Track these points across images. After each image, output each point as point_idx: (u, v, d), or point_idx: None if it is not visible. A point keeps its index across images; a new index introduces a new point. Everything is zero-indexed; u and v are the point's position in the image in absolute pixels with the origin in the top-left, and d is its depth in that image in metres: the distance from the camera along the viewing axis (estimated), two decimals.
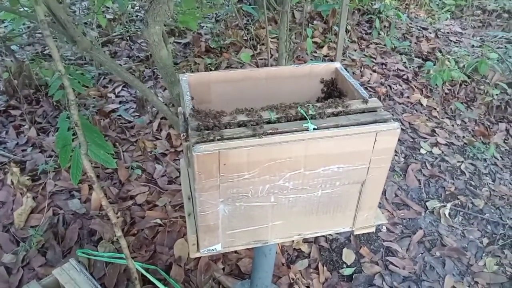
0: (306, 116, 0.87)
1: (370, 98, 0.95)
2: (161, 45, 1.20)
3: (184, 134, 0.89)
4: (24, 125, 2.60)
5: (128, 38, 3.76)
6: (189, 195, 1.07)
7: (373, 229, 1.08)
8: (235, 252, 1.88)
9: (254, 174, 0.85)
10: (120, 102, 2.91)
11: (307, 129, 0.84)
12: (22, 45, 3.53)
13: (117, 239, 1.82)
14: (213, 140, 0.80)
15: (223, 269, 1.80)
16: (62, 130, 1.60)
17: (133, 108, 2.84)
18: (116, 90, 3.06)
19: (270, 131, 0.84)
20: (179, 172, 2.27)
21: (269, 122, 0.87)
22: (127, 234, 1.88)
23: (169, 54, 1.29)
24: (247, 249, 1.89)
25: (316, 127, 0.85)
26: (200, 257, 1.81)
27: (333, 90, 1.10)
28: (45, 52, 3.47)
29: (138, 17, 4.14)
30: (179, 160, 2.37)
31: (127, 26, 3.87)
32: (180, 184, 2.08)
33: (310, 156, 0.86)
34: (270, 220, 0.96)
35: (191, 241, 0.95)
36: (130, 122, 2.69)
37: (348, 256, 1.96)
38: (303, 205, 0.96)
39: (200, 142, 0.80)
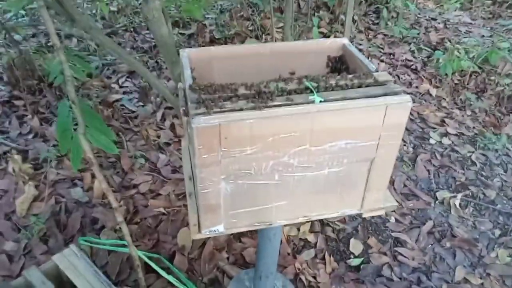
0: (312, 89, 0.82)
1: (379, 72, 0.90)
2: (161, 22, 1.16)
3: (184, 108, 0.85)
4: (27, 115, 2.58)
5: (132, 29, 3.73)
6: (190, 175, 1.03)
7: (382, 212, 1.04)
8: (240, 241, 1.85)
9: (257, 149, 0.81)
10: (123, 93, 2.87)
11: (313, 102, 0.80)
12: (25, 37, 3.52)
13: (119, 228, 1.79)
14: (213, 113, 0.76)
15: (228, 258, 1.77)
16: (62, 115, 1.57)
17: (136, 98, 2.81)
18: (120, 81, 3.03)
19: (274, 103, 0.79)
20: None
21: (273, 95, 0.82)
22: (130, 222, 1.85)
23: (170, 32, 1.25)
24: (252, 237, 1.85)
25: (322, 99, 0.80)
26: (204, 246, 1.77)
27: (340, 67, 1.05)
28: (49, 44, 3.45)
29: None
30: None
31: (131, 18, 3.84)
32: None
33: (316, 130, 0.81)
34: (275, 200, 0.92)
35: (192, 221, 0.91)
36: (133, 112, 2.65)
37: (356, 246, 1.91)
38: (309, 184, 0.91)
39: (199, 114, 0.76)
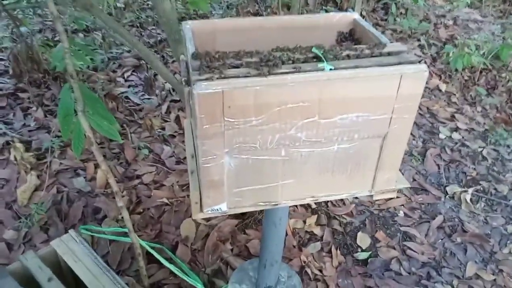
0: (322, 56, 0.78)
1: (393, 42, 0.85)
2: None
3: (185, 78, 0.81)
4: (31, 107, 2.56)
5: (138, 25, 3.71)
6: (192, 154, 0.98)
7: (394, 194, 0.99)
8: (244, 233, 1.80)
9: (263, 120, 0.76)
10: (129, 86, 2.85)
11: (322, 70, 0.75)
12: (32, 32, 3.51)
13: (122, 218, 1.75)
14: (216, 79, 0.72)
15: (232, 250, 1.72)
16: (64, 99, 1.53)
17: (142, 91, 2.78)
18: (126, 75, 3.00)
19: (280, 71, 0.75)
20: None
21: (279, 63, 0.78)
22: (132, 213, 1.81)
23: (173, 8, 1.21)
24: (256, 229, 1.80)
25: (332, 67, 0.76)
26: (208, 237, 1.73)
27: (351, 42, 1.01)
28: (55, 39, 3.44)
29: (149, 5, 4.09)
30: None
31: (137, 13, 3.83)
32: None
33: (326, 101, 0.77)
34: (281, 178, 0.87)
35: (193, 199, 0.87)
36: (138, 104, 2.62)
37: (363, 240, 1.86)
38: (317, 161, 0.87)
39: (202, 81, 0.71)
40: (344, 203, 2.02)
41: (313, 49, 0.80)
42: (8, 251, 1.61)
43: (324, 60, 0.77)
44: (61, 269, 1.21)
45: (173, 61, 3.00)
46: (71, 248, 1.21)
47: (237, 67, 0.77)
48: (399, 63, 0.78)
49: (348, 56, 0.81)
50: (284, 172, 0.87)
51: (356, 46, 0.84)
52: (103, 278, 1.12)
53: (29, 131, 2.33)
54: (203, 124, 0.74)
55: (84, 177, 1.98)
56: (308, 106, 0.77)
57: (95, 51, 3.22)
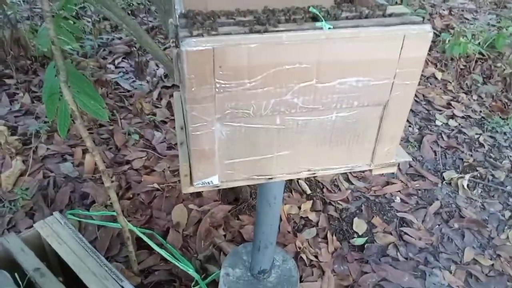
0: (319, 15, 0.72)
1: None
2: None
3: (174, 40, 0.75)
4: (18, 93, 2.48)
5: (129, 12, 3.63)
6: (182, 125, 0.93)
7: (394, 169, 0.94)
8: (238, 219, 1.75)
9: (257, 83, 0.71)
10: (119, 73, 2.78)
11: (321, 29, 0.70)
12: (20, 19, 3.42)
13: (110, 203, 1.69)
14: (207, 35, 0.66)
15: (225, 236, 1.67)
16: (49, 78, 1.46)
17: (132, 78, 2.71)
18: (116, 61, 2.93)
19: (276, 29, 0.69)
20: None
21: (274, 21, 0.72)
22: (122, 198, 1.75)
23: None
24: (250, 215, 1.76)
25: (331, 26, 0.71)
26: (200, 223, 1.68)
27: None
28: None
29: None
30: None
31: (129, 1, 3.74)
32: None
33: (324, 63, 0.71)
34: (276, 149, 0.82)
35: (183, 171, 0.82)
36: (129, 91, 2.56)
37: (360, 225, 1.82)
38: (314, 131, 0.81)
39: (191, 37, 0.66)
40: (339, 189, 1.98)
41: (311, 9, 0.75)
42: None
43: (323, 19, 0.72)
44: (45, 252, 1.15)
45: (165, 48, 2.93)
46: (56, 231, 1.15)
47: (230, 25, 0.72)
48: (402, 23, 0.73)
49: (348, 18, 0.76)
50: (279, 142, 0.82)
51: (356, 7, 0.78)
52: (88, 260, 1.06)
53: (15, 116, 2.25)
54: (192, 87, 0.69)
55: (72, 162, 1.91)
56: (306, 68, 0.71)
57: (85, 38, 3.14)
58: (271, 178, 0.87)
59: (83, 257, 1.07)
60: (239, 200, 1.81)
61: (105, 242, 1.56)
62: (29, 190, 1.73)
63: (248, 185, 1.81)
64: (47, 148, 1.98)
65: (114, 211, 1.38)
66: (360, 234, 1.78)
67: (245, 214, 1.77)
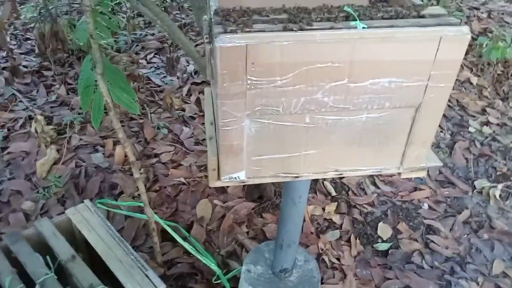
0: (354, 14, 0.72)
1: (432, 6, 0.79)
2: None
3: (207, 35, 0.77)
4: (55, 85, 2.58)
5: (163, 9, 3.70)
6: (211, 121, 0.94)
7: (423, 173, 0.92)
8: (261, 216, 1.76)
9: (288, 81, 0.71)
10: (151, 68, 2.84)
11: (355, 28, 0.70)
12: (59, 14, 3.54)
13: (138, 195, 1.74)
14: (241, 32, 0.67)
15: (247, 233, 1.68)
16: (85, 70, 1.52)
17: (163, 73, 2.77)
18: (148, 57, 3.00)
19: (310, 27, 0.69)
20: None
21: (308, 19, 0.72)
22: (149, 190, 1.79)
23: None
24: (273, 214, 1.76)
25: (366, 26, 0.70)
26: (224, 219, 1.69)
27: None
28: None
29: None
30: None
31: None
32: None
33: (357, 62, 0.71)
34: (304, 147, 0.82)
35: (211, 165, 0.83)
36: (159, 86, 2.61)
37: (384, 230, 1.79)
38: (343, 131, 0.81)
39: (225, 33, 0.67)
40: (365, 193, 1.95)
41: (345, 8, 0.74)
42: (26, 221, 1.62)
43: (357, 18, 0.71)
44: (75, 238, 1.19)
45: (196, 45, 2.97)
46: (86, 218, 1.19)
47: (263, 23, 0.72)
48: (439, 25, 0.72)
49: (383, 18, 0.75)
50: (308, 141, 0.81)
51: (391, 7, 0.77)
52: (116, 248, 1.09)
53: (51, 107, 2.34)
54: (224, 82, 0.70)
55: (103, 153, 1.97)
56: (338, 67, 0.71)
57: (120, 33, 3.22)
58: (298, 177, 0.87)
59: (111, 245, 1.10)
60: (263, 198, 1.81)
61: (131, 232, 1.60)
62: (61, 178, 1.79)
63: (273, 184, 1.82)
64: (80, 139, 2.05)
65: (141, 202, 1.42)
66: (384, 239, 1.75)
67: (269, 213, 1.77)
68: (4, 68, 2.67)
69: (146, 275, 1.02)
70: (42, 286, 0.97)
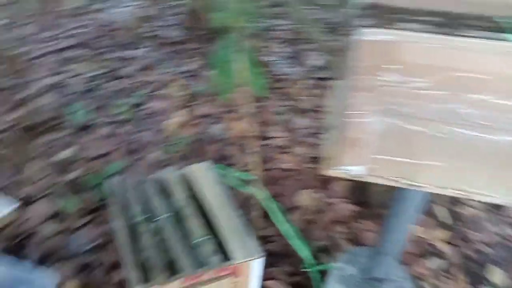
0: (509, 27, 0.65)
1: None
2: None
3: (348, 28, 0.77)
4: (194, 57, 2.83)
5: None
6: (336, 111, 0.94)
7: None
8: (361, 222, 1.71)
9: (428, 84, 0.68)
10: (278, 56, 2.93)
11: (508, 41, 0.63)
12: None
13: (248, 170, 1.83)
14: (388, 28, 0.66)
15: (344, 233, 1.65)
16: (224, 47, 1.64)
17: (290, 64, 2.83)
18: (278, 46, 3.09)
19: (458, 33, 0.65)
20: (320, 130, 2.17)
21: (461, 26, 0.68)
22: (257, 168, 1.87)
23: None
24: (376, 223, 1.69)
25: None
26: (324, 213, 1.69)
27: None
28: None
29: None
30: (324, 118, 2.27)
31: None
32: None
33: (507, 77, 0.64)
34: (429, 156, 0.78)
35: (327, 154, 0.83)
36: (285, 75, 2.68)
37: (496, 275, 1.59)
38: (480, 150, 0.74)
39: (371, 27, 0.66)
40: (484, 228, 1.76)
41: (499, 19, 0.67)
42: (152, 168, 1.84)
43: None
44: (191, 190, 1.32)
45: (327, 41, 2.95)
46: (204, 175, 1.31)
47: (411, 22, 0.70)
48: None
49: None
50: (435, 151, 0.77)
51: None
52: (226, 209, 1.19)
53: (187, 76, 2.59)
54: (359, 74, 0.69)
55: (223, 126, 2.12)
56: (485, 80, 0.65)
57: (255, 19, 3.37)
58: (414, 186, 0.83)
59: (222, 204, 1.20)
60: (367, 204, 1.76)
61: (236, 203, 1.70)
62: (185, 139, 1.98)
63: (380, 191, 1.75)
64: (206, 108, 2.23)
65: (250, 176, 1.50)
66: (494, 284, 1.56)
67: (369, 220, 1.72)
68: (156, 35, 3.03)
69: (247, 240, 1.09)
70: (161, 223, 1.11)
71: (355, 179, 0.86)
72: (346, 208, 1.73)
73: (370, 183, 1.73)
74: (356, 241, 1.63)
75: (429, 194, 0.99)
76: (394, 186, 0.97)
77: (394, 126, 0.75)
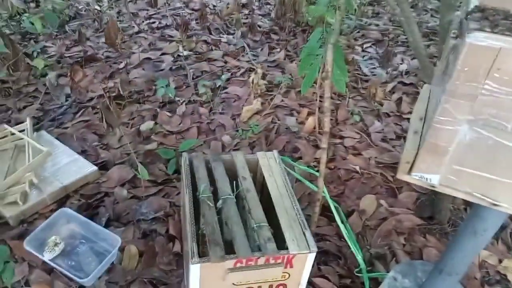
0: None
1: None
2: None
3: (456, 31, 0.74)
4: (276, 48, 2.88)
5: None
6: (421, 116, 0.92)
7: None
8: (424, 237, 1.64)
9: None
10: (363, 57, 2.87)
11: None
12: None
13: (313, 165, 1.84)
14: (497, 33, 0.63)
15: (404, 245, 1.60)
16: (312, 40, 1.66)
17: (374, 65, 2.76)
18: (365, 45, 3.03)
19: None
20: (395, 135, 2.11)
21: None
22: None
23: None
24: (440, 240, 1.62)
25: None
26: (385, 221, 1.65)
27: None
28: None
29: None
30: (400, 125, 2.19)
31: None
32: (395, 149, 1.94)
33: None
34: None
35: (406, 158, 0.82)
36: (366, 75, 2.63)
37: None
38: None
39: (479, 31, 0.64)
40: None
41: None
42: (221, 149, 1.92)
43: None
44: (256, 176, 1.36)
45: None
46: (270, 164, 1.35)
47: None
48: None
49: None
50: None
51: None
52: (286, 199, 1.21)
53: (268, 66, 2.64)
54: (458, 80, 0.67)
55: (296, 119, 2.14)
56: None
57: (346, 17, 3.33)
58: (496, 205, 0.79)
59: (283, 194, 1.22)
60: (434, 219, 1.68)
61: (296, 195, 1.72)
62: (257, 127, 2.03)
63: (449, 209, 1.67)
64: (282, 100, 2.27)
65: (317, 171, 1.50)
66: None
67: (433, 236, 1.64)
68: (244, 24, 3.11)
69: (304, 233, 1.10)
70: (223, 202, 1.16)
71: (429, 187, 0.84)
72: (410, 219, 1.67)
73: (440, 199, 1.67)
74: (414, 255, 1.57)
75: (507, 216, 0.93)
76: (468, 204, 0.92)
77: (483, 138, 0.72)
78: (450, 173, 0.79)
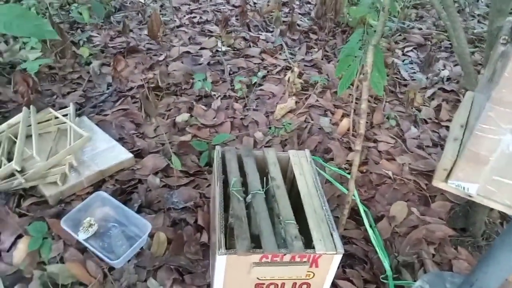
0: None
1: None
2: None
3: (506, 37, 0.72)
4: (314, 48, 2.86)
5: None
6: (462, 124, 0.89)
7: None
8: (455, 248, 1.59)
9: None
10: (403, 60, 2.80)
11: None
12: None
13: (345, 167, 1.83)
14: None
15: (433, 255, 1.56)
16: (353, 40, 1.64)
17: (414, 69, 2.69)
18: (406, 49, 2.97)
19: None
20: (432, 143, 2.05)
21: None
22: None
23: None
24: (471, 253, 1.57)
25: None
26: (415, 229, 1.61)
27: None
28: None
29: None
30: (438, 132, 2.13)
31: None
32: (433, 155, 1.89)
33: None
34: None
35: (444, 165, 0.80)
36: (405, 79, 2.57)
37: None
38: None
39: None
40: None
41: None
42: (253, 145, 1.94)
43: None
44: (286, 174, 1.36)
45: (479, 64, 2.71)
46: (301, 163, 1.34)
47: None
48: None
49: None
50: None
51: None
52: (316, 199, 1.21)
53: (305, 65, 2.62)
54: (505, 87, 0.65)
55: (330, 120, 2.12)
56: None
57: (388, 19, 3.26)
58: None
59: (313, 193, 1.22)
60: (467, 231, 1.63)
61: (326, 196, 1.71)
62: (290, 125, 2.03)
63: (484, 222, 1.61)
64: (317, 100, 2.25)
65: (348, 173, 1.49)
66: None
67: (465, 249, 1.59)
68: (284, 22, 3.11)
69: (331, 234, 1.10)
70: (253, 197, 1.17)
71: (466, 197, 0.81)
72: (441, 230, 1.63)
73: (475, 211, 1.61)
74: (444, 266, 1.53)
75: None
76: (505, 218, 0.89)
77: None
78: (489, 183, 0.77)
